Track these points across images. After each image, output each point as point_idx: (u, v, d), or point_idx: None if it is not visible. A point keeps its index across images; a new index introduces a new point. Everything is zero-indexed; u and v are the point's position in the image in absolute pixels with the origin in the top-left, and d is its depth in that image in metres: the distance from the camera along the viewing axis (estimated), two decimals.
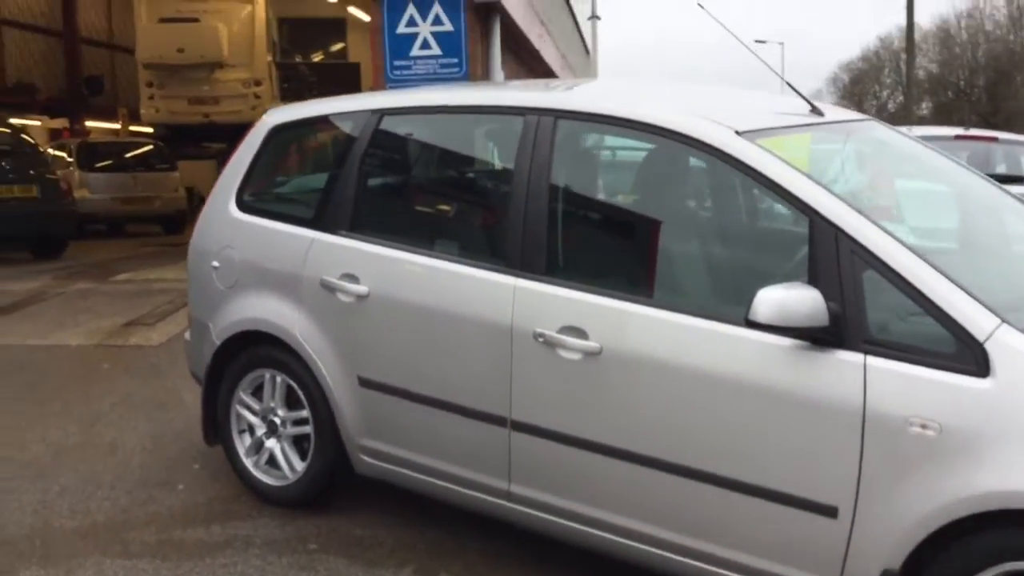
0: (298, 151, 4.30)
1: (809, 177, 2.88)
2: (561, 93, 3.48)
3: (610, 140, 3.69)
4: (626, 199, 3.44)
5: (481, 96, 3.75)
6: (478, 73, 8.70)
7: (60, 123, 24.26)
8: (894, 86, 60.41)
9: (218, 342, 4.13)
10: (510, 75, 12.06)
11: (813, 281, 2.77)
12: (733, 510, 2.91)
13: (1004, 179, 8.49)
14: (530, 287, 3.26)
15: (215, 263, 4.18)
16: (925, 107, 56.17)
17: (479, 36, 8.88)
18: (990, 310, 2.60)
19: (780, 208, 2.89)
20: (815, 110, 3.44)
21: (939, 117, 49.83)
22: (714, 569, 2.99)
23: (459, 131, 3.82)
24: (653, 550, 3.10)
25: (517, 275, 3.30)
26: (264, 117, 4.27)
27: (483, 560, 3.62)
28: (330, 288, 3.73)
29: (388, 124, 3.82)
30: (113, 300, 9.07)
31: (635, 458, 3.06)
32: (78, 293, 9.60)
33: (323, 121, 4.12)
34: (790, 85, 3.55)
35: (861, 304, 2.73)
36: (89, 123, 23.91)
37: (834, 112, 3.74)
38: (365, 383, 3.71)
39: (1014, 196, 3.91)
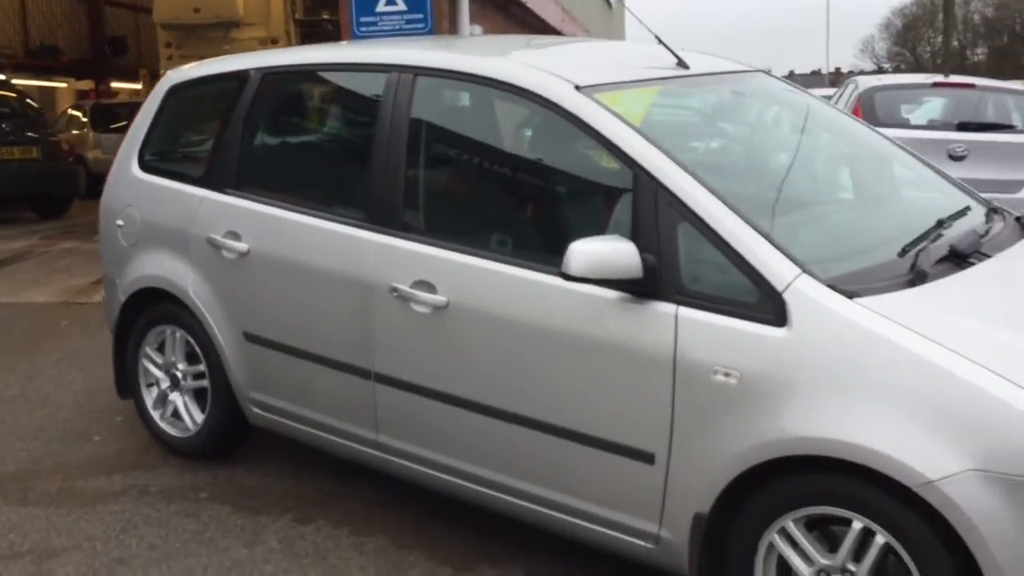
0: (194, 111, 4.38)
1: (636, 131, 2.91)
2: (422, 50, 3.53)
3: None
4: (475, 155, 3.49)
5: (353, 54, 3.80)
6: (444, 29, 8.71)
7: (87, 84, 24.51)
8: (950, 30, 58.77)
9: (123, 298, 4.26)
10: (494, 31, 12.02)
11: (634, 233, 2.81)
12: (564, 456, 2.99)
13: (981, 127, 8.43)
14: (387, 242, 3.34)
15: (119, 221, 4.30)
16: (980, 52, 54.64)
17: None
18: (794, 261, 2.64)
19: (611, 162, 2.92)
20: (681, 63, 3.46)
21: (994, 62, 48.50)
22: (550, 512, 3.08)
23: (334, 89, 3.89)
24: (497, 495, 3.19)
25: (376, 231, 3.38)
26: (164, 76, 4.36)
27: (363, 508, 3.74)
28: (216, 246, 3.83)
29: (270, 83, 3.89)
30: (92, 259, 9.23)
31: (478, 408, 3.15)
32: (60, 252, 9.82)
33: (216, 80, 4.20)
34: (659, 39, 3.56)
35: (676, 256, 2.77)
36: (115, 84, 24.11)
37: (713, 65, 3.75)
38: (250, 338, 3.82)
39: (905, 149, 3.90)
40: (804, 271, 2.62)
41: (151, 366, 4.28)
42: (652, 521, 2.87)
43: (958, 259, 2.88)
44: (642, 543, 2.91)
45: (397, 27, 8.43)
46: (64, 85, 25.31)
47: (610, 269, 2.74)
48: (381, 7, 8.43)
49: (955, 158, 8.00)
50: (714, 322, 2.69)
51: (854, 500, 2.52)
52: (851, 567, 2.57)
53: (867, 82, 8.98)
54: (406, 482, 3.50)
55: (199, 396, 4.17)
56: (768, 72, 3.98)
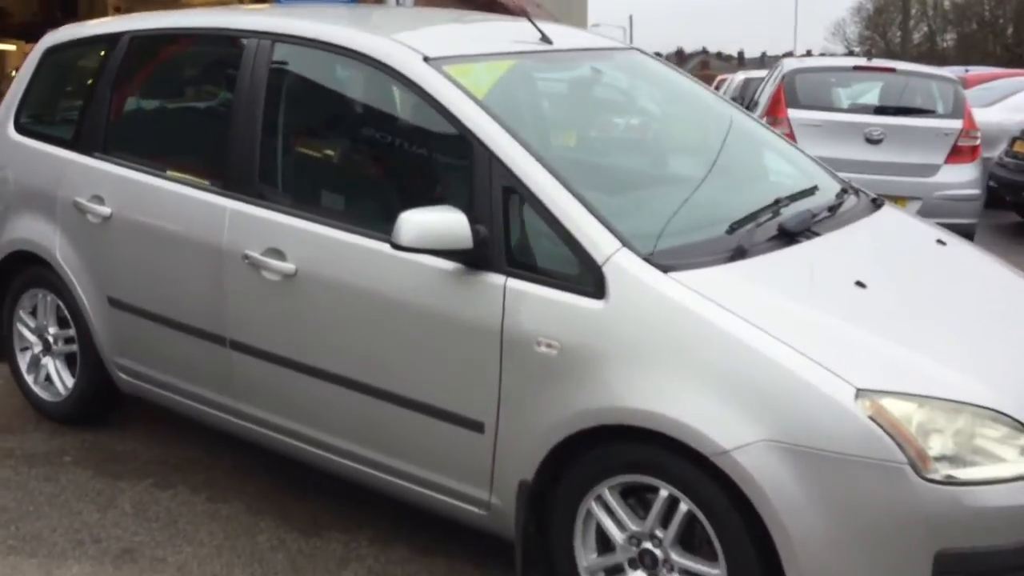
0: (69, 73, 4.34)
1: (476, 102, 2.94)
2: (282, 17, 3.52)
3: None
4: (326, 125, 3.50)
5: (218, 19, 3.78)
6: None
7: None
8: (920, 16, 58.81)
9: None
10: (432, 4, 11.95)
11: (468, 204, 2.84)
12: (402, 424, 3.03)
13: (899, 111, 8.54)
14: (240, 209, 3.34)
15: None
16: (949, 38, 54.91)
17: None
18: (616, 235, 2.68)
19: (452, 133, 2.94)
20: (544, 38, 3.48)
21: (962, 49, 48.80)
22: (391, 479, 3.12)
23: (198, 55, 3.88)
24: (343, 461, 3.23)
25: (231, 197, 3.38)
26: (42, 39, 4.31)
27: (224, 476, 3.76)
28: (81, 210, 3.81)
29: (137, 47, 3.87)
30: None
31: (324, 375, 3.17)
32: None
33: (90, 43, 4.16)
34: (527, 15, 3.58)
35: (506, 228, 2.81)
36: None
37: (580, 41, 3.78)
38: (114, 303, 3.81)
39: (771, 130, 3.96)
40: (624, 245, 2.67)
41: (25, 330, 4.25)
42: (483, 488, 2.92)
43: (786, 237, 2.94)
44: (475, 509, 2.96)
45: None
46: (13, 48, 24.80)
47: (440, 239, 2.76)
48: None
49: (872, 141, 8.11)
50: (539, 294, 2.73)
51: (660, 469, 2.59)
52: (659, 533, 2.64)
53: (791, 64, 9.05)
54: (265, 449, 3.52)
55: (71, 361, 4.15)
56: (642, 51, 4.01)
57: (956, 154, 8.08)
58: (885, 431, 2.34)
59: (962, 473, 2.36)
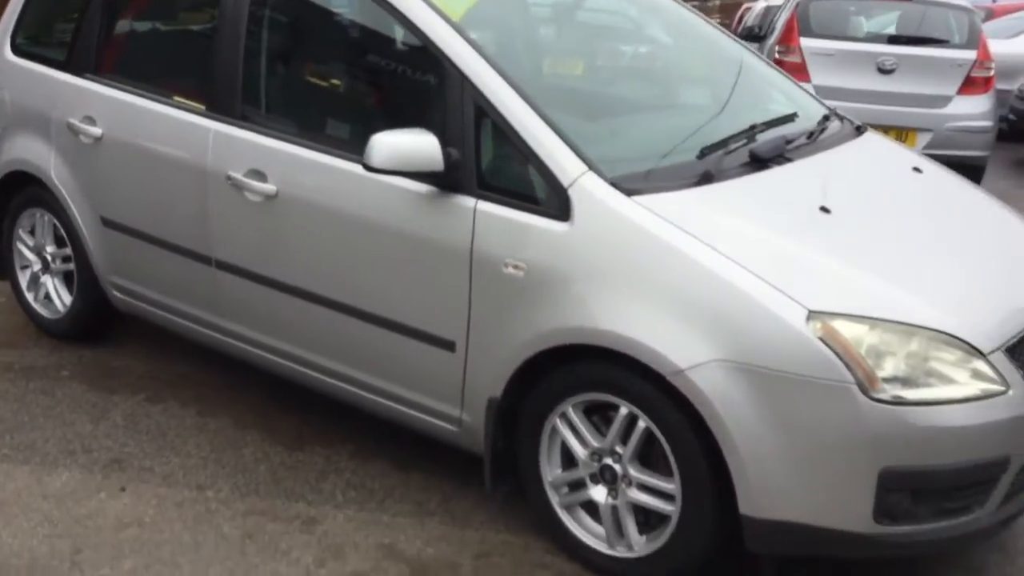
0: None
1: (451, 25, 2.95)
2: None
3: None
4: (306, 48, 3.52)
5: None
6: None
7: None
8: None
9: None
10: None
11: (440, 126, 2.87)
12: (379, 343, 3.11)
13: (912, 40, 8.40)
14: (224, 131, 3.39)
15: None
16: None
17: None
18: (583, 159, 2.72)
19: (428, 55, 2.97)
20: None
21: None
22: (369, 396, 3.22)
23: None
24: (323, 378, 3.32)
25: (215, 119, 3.43)
26: None
27: (214, 392, 3.87)
28: (74, 130, 3.87)
29: None
30: None
31: (304, 294, 3.25)
32: None
33: None
34: None
35: (478, 150, 2.85)
36: None
37: None
38: (107, 223, 3.89)
39: (760, 57, 3.95)
40: (591, 169, 2.71)
41: (24, 249, 4.35)
42: (455, 405, 3.01)
43: (757, 163, 2.97)
44: (448, 426, 3.06)
45: None
46: None
47: (411, 161, 2.81)
48: None
49: (884, 71, 8.01)
50: (507, 216, 2.78)
51: (620, 388, 2.66)
52: (619, 449, 2.73)
53: None
54: (252, 366, 3.63)
55: (68, 279, 4.25)
56: None
57: (969, 85, 7.96)
58: (834, 352, 2.39)
59: (911, 394, 2.42)
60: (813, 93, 3.83)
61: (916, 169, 3.34)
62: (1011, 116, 10.95)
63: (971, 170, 8.30)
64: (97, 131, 3.80)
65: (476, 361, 2.91)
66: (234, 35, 3.39)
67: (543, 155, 2.74)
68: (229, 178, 3.34)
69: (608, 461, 2.76)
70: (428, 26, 2.95)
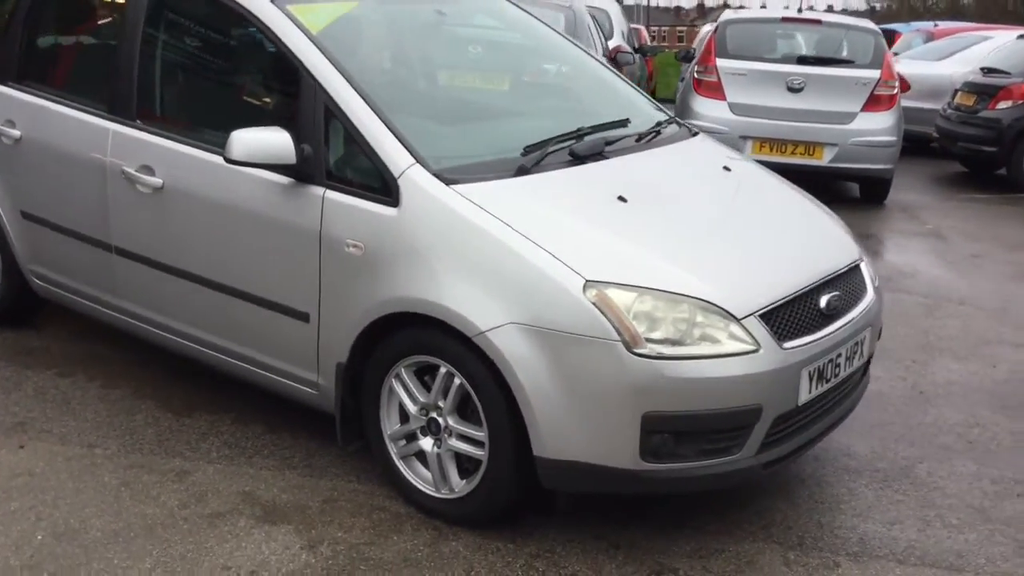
0: None
1: (309, 37, 3.39)
2: None
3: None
4: (190, 54, 3.97)
5: None
6: None
7: None
8: None
9: None
10: None
11: (295, 125, 3.31)
12: (249, 317, 3.53)
13: (819, 60, 8.92)
14: (120, 131, 3.83)
15: None
16: None
17: None
18: (412, 153, 3.16)
19: (289, 63, 3.41)
20: None
21: (982, 5, 48.62)
22: (243, 365, 3.64)
23: None
24: (205, 350, 3.75)
25: (113, 120, 3.86)
26: None
27: (121, 367, 4.29)
28: None
29: None
30: None
31: (186, 275, 3.67)
32: None
33: None
34: None
35: (326, 146, 3.29)
36: None
37: None
38: (26, 216, 4.32)
39: (611, 70, 4.40)
40: (418, 162, 3.15)
41: None
42: (312, 370, 3.43)
43: (576, 159, 3.41)
44: (308, 389, 3.48)
45: None
46: None
47: (266, 155, 3.24)
48: None
49: (793, 90, 8.53)
50: (348, 203, 3.22)
51: (440, 350, 3.09)
52: (441, 404, 3.16)
53: (725, 16, 9.43)
54: (150, 344, 4.04)
55: None
56: None
57: (873, 102, 8.49)
58: (605, 315, 2.83)
59: (670, 350, 2.85)
60: (654, 101, 4.27)
61: (726, 168, 3.79)
62: (935, 134, 11.52)
63: (878, 183, 8.85)
64: (16, 133, 4.22)
65: (327, 330, 3.34)
66: (131, 47, 3.83)
67: (378, 150, 3.18)
68: (124, 173, 3.77)
69: (434, 415, 3.19)
70: (288, 38, 3.40)
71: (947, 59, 13.13)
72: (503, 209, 3.05)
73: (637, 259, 3.01)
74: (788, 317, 3.06)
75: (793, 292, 3.11)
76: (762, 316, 2.99)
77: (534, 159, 3.32)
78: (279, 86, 3.52)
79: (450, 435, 3.16)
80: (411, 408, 3.23)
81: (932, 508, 3.41)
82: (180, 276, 3.71)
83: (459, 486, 3.18)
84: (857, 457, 3.76)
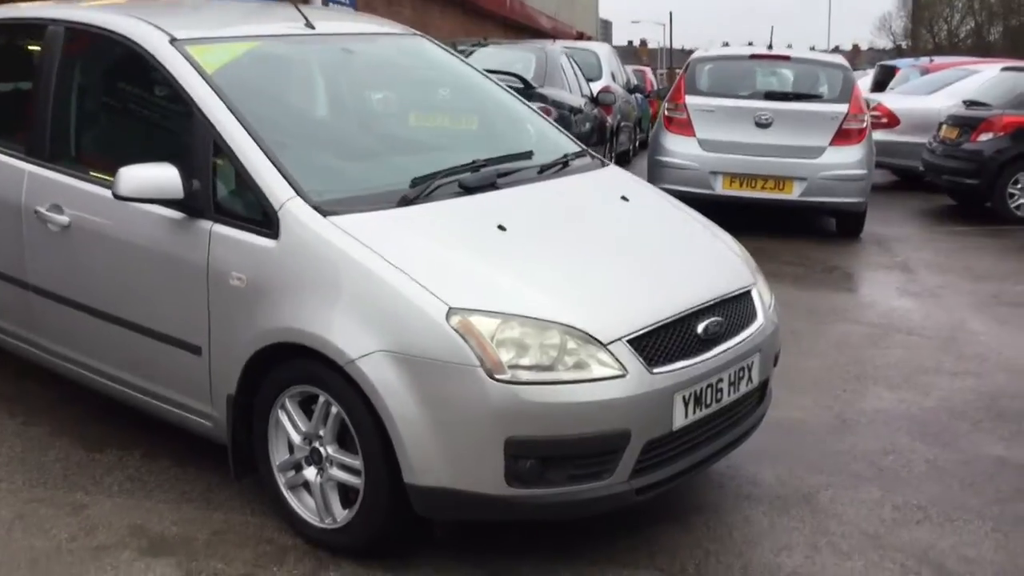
0: None
1: (202, 76, 3.47)
2: (75, 8, 4.10)
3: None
4: (95, 96, 4.07)
5: (36, 10, 4.36)
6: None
7: None
8: (965, 11, 58.31)
9: None
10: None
11: (186, 161, 3.38)
12: (148, 350, 3.58)
13: (787, 96, 8.98)
14: (34, 171, 3.92)
15: None
16: (995, 31, 54.78)
17: None
18: (293, 187, 3.21)
19: (183, 101, 3.49)
20: (308, 24, 4.02)
21: (1009, 42, 48.64)
22: (143, 397, 3.68)
23: (23, 41, 4.43)
24: (109, 383, 3.80)
25: (28, 161, 3.96)
26: None
27: (45, 405, 4.34)
28: None
29: None
30: None
31: (90, 310, 3.74)
32: None
33: None
34: (295, 6, 4.12)
35: (214, 182, 3.35)
36: None
37: (351, 27, 4.35)
38: None
39: (528, 105, 4.45)
40: (298, 194, 3.20)
41: None
42: (206, 403, 3.46)
43: (465, 190, 3.46)
44: (203, 421, 3.51)
45: None
46: None
47: (153, 190, 3.31)
48: None
49: (761, 125, 8.56)
50: (232, 236, 3.28)
51: (319, 379, 3.11)
52: (322, 433, 3.17)
53: (696, 55, 9.52)
54: (70, 380, 4.09)
55: None
56: (428, 38, 4.54)
57: (841, 137, 8.51)
58: (467, 341, 2.85)
59: (532, 376, 2.87)
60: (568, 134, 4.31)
61: (623, 197, 3.81)
62: (920, 167, 11.50)
63: (851, 216, 8.84)
64: None
65: (217, 362, 3.38)
66: (46, 91, 3.94)
67: (260, 184, 3.24)
68: (36, 212, 3.85)
69: (316, 445, 3.21)
70: (183, 77, 3.48)
71: (936, 93, 13.15)
72: (375, 239, 3.09)
73: (504, 286, 3.03)
74: (660, 342, 3.07)
75: (666, 318, 3.11)
76: (630, 341, 2.99)
77: (419, 191, 3.36)
78: (175, 124, 3.60)
79: (331, 464, 3.18)
80: (296, 438, 3.25)
81: (825, 535, 3.38)
82: (87, 312, 3.76)
83: (340, 515, 3.18)
84: (761, 485, 3.73)
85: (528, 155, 3.90)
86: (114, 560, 3.16)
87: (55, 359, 4.03)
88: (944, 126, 11.15)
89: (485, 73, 4.51)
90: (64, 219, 3.75)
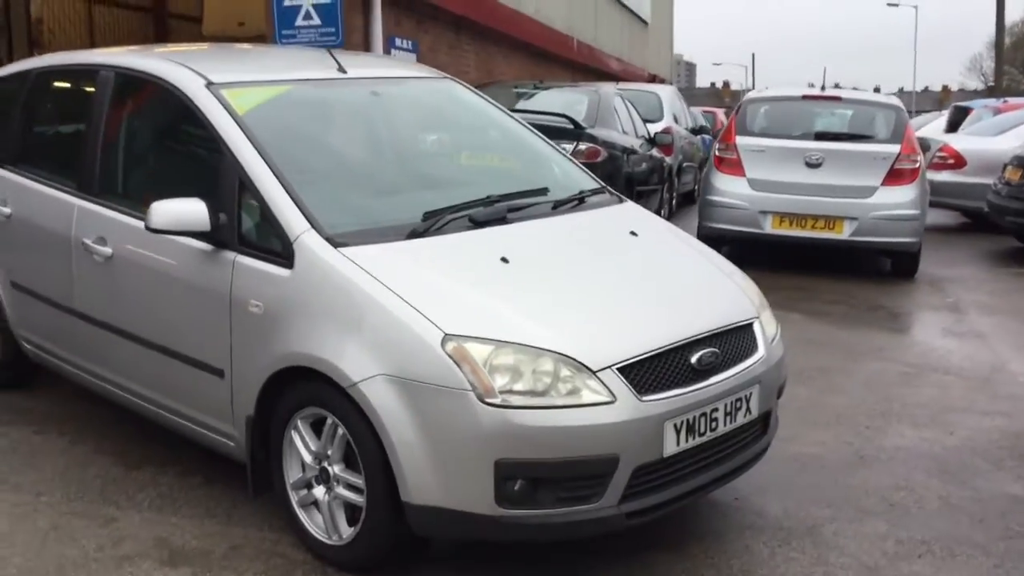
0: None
1: (233, 118, 3.71)
2: (122, 54, 4.42)
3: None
4: (138, 136, 4.35)
5: (87, 57, 4.71)
6: (355, 42, 9.58)
7: None
8: None
9: None
10: (436, 45, 12.87)
11: (214, 196, 3.61)
12: (178, 373, 3.81)
13: (838, 136, 9.00)
14: (83, 206, 4.22)
15: None
16: None
17: (359, 7, 9.79)
18: (309, 220, 3.42)
19: (214, 141, 3.74)
20: (340, 68, 4.27)
21: None
22: (176, 419, 3.91)
23: (75, 86, 4.78)
24: (145, 405, 4.04)
25: (79, 197, 4.26)
26: None
27: (91, 426, 4.61)
28: None
29: (39, 81, 4.83)
30: None
31: (128, 335, 4.00)
32: None
33: (8, 79, 5.11)
34: (329, 52, 4.37)
35: (239, 215, 3.58)
36: None
37: (375, 71, 4.58)
38: (15, 286, 4.74)
39: (552, 145, 4.62)
40: (313, 227, 3.40)
41: None
42: (229, 423, 3.67)
43: (475, 224, 3.63)
44: (226, 441, 3.71)
45: (313, 39, 9.30)
46: None
47: (182, 223, 3.55)
48: (300, 21, 9.34)
49: (811, 165, 8.58)
50: (253, 266, 3.49)
51: (327, 402, 3.29)
52: (329, 453, 3.34)
53: (749, 95, 9.59)
54: (112, 401, 4.35)
55: None
56: (458, 82, 4.75)
57: (893, 177, 8.47)
58: (460, 367, 3.00)
59: (523, 400, 3.00)
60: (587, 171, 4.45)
61: (632, 232, 3.92)
62: (985, 209, 11.32)
63: (904, 256, 8.77)
64: (7, 211, 4.67)
65: (238, 385, 3.58)
66: (96, 131, 4.25)
67: (279, 217, 3.45)
68: (83, 244, 4.14)
69: (324, 464, 3.38)
70: (215, 118, 3.73)
71: (1005, 134, 12.93)
72: (381, 269, 3.26)
73: (500, 314, 3.17)
74: (651, 371, 3.17)
75: (658, 347, 3.21)
76: (620, 369, 3.10)
77: (429, 224, 3.54)
78: (208, 161, 3.84)
79: (338, 483, 3.34)
80: (307, 458, 3.42)
81: (823, 566, 3.41)
82: (125, 337, 4.02)
83: (346, 533, 3.34)
84: (766, 516, 3.77)
85: (543, 191, 4.07)
86: (135, 569, 3.36)
87: (98, 381, 4.30)
88: (1009, 167, 10.98)
89: (512, 115, 4.69)
90: (107, 250, 4.03)
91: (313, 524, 3.45)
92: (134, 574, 3.33)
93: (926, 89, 73.73)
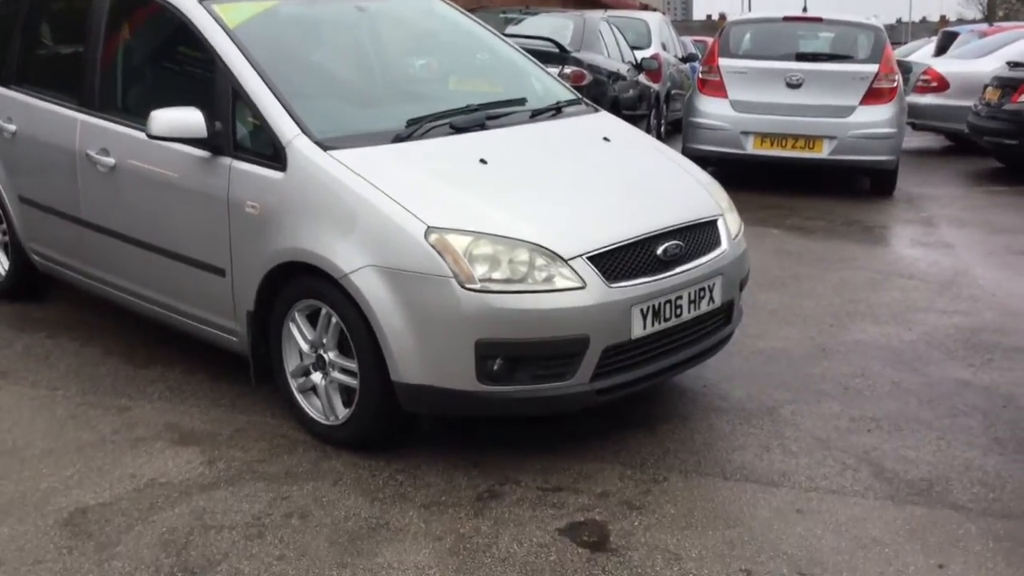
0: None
1: (224, 30, 3.93)
2: None
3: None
4: (134, 51, 4.55)
5: None
6: None
7: None
8: None
9: None
10: None
11: (209, 105, 3.84)
12: (182, 274, 4.07)
13: (818, 57, 9.17)
14: (85, 119, 4.44)
15: None
16: None
17: None
18: (299, 125, 3.65)
19: (207, 52, 3.95)
20: None
21: None
22: (181, 318, 4.18)
23: (80, 4, 4.95)
24: (150, 306, 4.31)
25: (81, 111, 4.48)
26: None
27: (101, 331, 4.89)
28: None
29: (40, 2, 5.02)
30: None
31: (132, 240, 4.25)
32: None
33: (9, 1, 5.29)
34: None
35: (234, 123, 3.81)
36: None
37: None
38: (23, 200, 4.97)
39: (533, 60, 4.83)
40: (303, 132, 3.64)
41: None
42: (231, 320, 3.94)
43: (455, 130, 3.87)
44: (229, 336, 3.99)
45: None
46: None
47: (180, 130, 3.79)
48: None
49: (791, 85, 8.77)
50: (248, 169, 3.74)
51: (321, 293, 3.56)
52: (325, 341, 3.62)
53: (731, 19, 9.73)
54: (120, 306, 4.63)
55: (6, 248, 5.33)
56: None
57: (872, 96, 8.67)
58: (442, 256, 3.27)
59: (500, 286, 3.27)
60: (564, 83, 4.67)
61: (605, 138, 4.17)
62: (965, 130, 11.52)
63: (881, 175, 9.01)
64: (12, 128, 4.89)
65: (239, 282, 3.85)
66: (93, 49, 4.46)
67: (271, 123, 3.69)
68: (88, 155, 4.37)
69: (320, 352, 3.66)
70: (207, 31, 3.95)
71: (986, 56, 13.06)
72: (368, 169, 3.52)
73: (478, 209, 3.44)
74: (620, 260, 3.44)
75: (627, 239, 3.48)
76: (590, 258, 3.38)
77: (412, 130, 3.79)
78: (202, 73, 4.05)
79: (333, 368, 3.63)
80: (304, 347, 3.71)
81: (778, 439, 3.72)
82: (131, 242, 4.28)
83: (342, 413, 3.63)
84: (730, 400, 4.08)
85: (521, 101, 4.30)
86: (149, 448, 3.66)
87: (105, 287, 4.56)
88: (988, 88, 11.16)
89: (493, 31, 4.89)
90: (111, 160, 4.26)
91: (312, 407, 3.75)
92: (148, 453, 3.63)
93: (924, 20, 73.26)
